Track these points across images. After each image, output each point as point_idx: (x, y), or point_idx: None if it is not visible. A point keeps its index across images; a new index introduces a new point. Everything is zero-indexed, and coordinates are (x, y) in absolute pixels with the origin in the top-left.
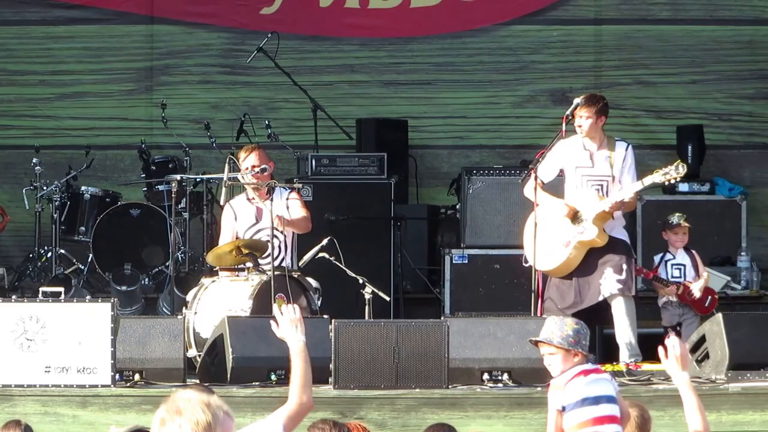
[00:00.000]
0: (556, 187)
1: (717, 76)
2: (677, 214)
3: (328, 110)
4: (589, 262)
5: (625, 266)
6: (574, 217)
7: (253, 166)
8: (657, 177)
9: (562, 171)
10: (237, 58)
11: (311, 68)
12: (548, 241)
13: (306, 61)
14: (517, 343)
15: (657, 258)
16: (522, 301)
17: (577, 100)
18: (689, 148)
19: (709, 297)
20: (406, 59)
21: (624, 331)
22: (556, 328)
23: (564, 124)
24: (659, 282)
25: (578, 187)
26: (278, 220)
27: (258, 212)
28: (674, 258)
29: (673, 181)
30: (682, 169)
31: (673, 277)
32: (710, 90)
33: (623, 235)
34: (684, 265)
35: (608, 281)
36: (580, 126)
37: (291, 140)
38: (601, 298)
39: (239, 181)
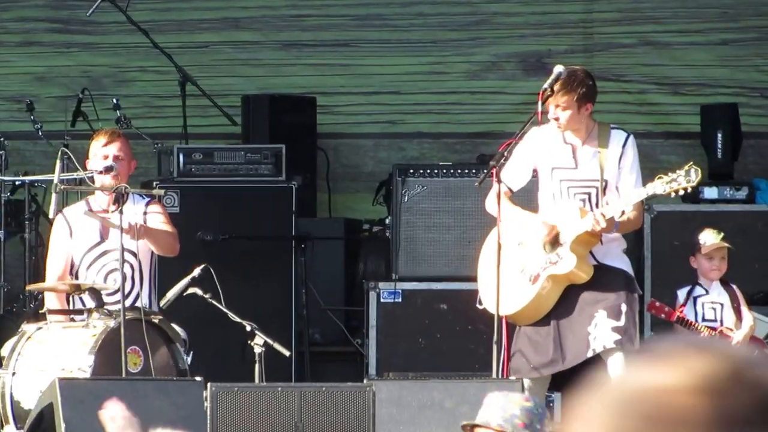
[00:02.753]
0: (529, 192)
1: (758, 34)
2: (712, 231)
3: (202, 84)
4: (573, 301)
5: (624, 308)
6: (554, 241)
7: (115, 157)
8: (659, 186)
9: (535, 171)
10: (73, 10)
11: (179, 24)
12: (510, 274)
13: (171, 13)
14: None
15: (682, 293)
16: (480, 356)
17: (558, 69)
18: (719, 136)
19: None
20: (315, 10)
21: None
22: (497, 406)
23: (540, 103)
24: (686, 326)
25: (556, 197)
26: (130, 229)
27: (103, 227)
28: (707, 293)
29: (681, 192)
30: (695, 176)
31: (705, 319)
32: (748, 55)
33: (622, 264)
34: (721, 305)
35: (601, 330)
36: (556, 118)
37: (149, 126)
38: (590, 354)
39: (77, 184)
